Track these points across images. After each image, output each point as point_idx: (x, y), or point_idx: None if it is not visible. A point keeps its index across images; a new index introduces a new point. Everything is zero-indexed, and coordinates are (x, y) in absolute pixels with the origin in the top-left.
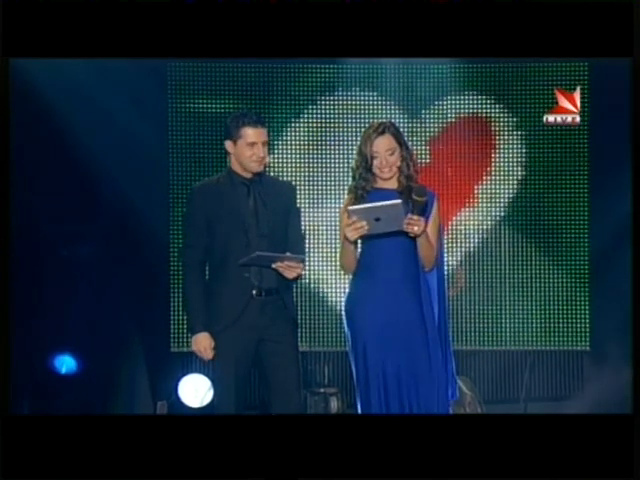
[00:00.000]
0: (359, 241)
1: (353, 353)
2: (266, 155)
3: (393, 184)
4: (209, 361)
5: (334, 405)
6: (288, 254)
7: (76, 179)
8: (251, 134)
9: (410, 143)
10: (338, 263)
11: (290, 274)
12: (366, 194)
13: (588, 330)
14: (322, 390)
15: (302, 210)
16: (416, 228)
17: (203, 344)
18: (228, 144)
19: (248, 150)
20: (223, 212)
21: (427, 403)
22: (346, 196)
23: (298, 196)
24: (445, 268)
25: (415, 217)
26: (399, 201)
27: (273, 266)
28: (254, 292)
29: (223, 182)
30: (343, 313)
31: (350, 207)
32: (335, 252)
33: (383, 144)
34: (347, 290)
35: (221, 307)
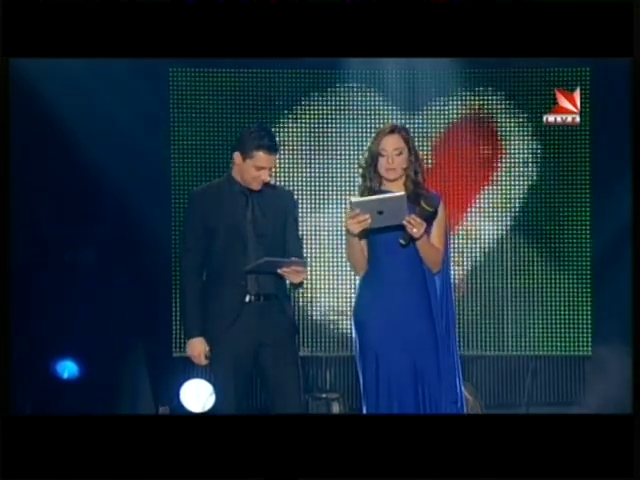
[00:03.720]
0: (365, 240)
1: (361, 358)
2: (269, 179)
3: (399, 188)
4: (209, 365)
5: (336, 410)
6: (293, 259)
7: (77, 181)
8: (263, 159)
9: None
10: (347, 262)
11: (297, 278)
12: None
13: (590, 336)
14: (324, 395)
15: (304, 214)
16: (415, 230)
17: (198, 349)
18: (237, 155)
19: (254, 172)
20: (221, 218)
21: (436, 407)
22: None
23: (299, 200)
24: (451, 272)
25: (417, 219)
26: (402, 193)
27: (279, 271)
28: (252, 297)
29: (223, 188)
30: (352, 319)
31: (353, 199)
32: (337, 256)
33: (391, 143)
34: (355, 296)
35: (217, 312)
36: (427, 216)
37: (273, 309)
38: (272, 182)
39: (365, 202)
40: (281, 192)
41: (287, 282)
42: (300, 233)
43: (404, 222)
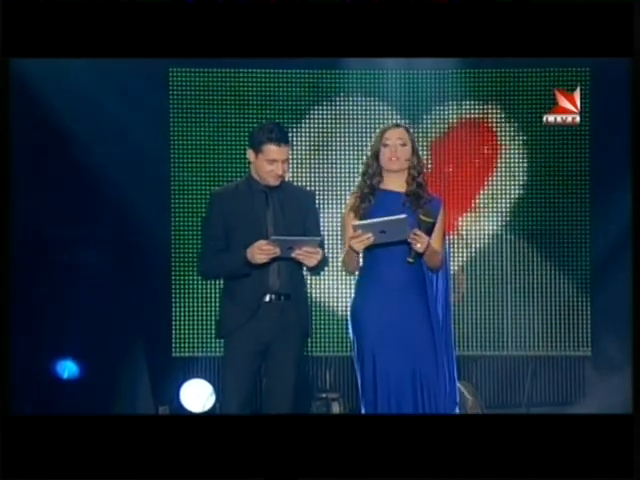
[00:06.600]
0: None
1: (359, 358)
2: (285, 171)
3: (401, 185)
4: (220, 359)
5: (336, 410)
6: (303, 237)
7: (77, 181)
8: (273, 152)
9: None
10: (340, 265)
11: (310, 261)
12: (372, 196)
13: (589, 336)
14: (324, 395)
15: None
16: (419, 245)
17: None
18: (250, 153)
19: (268, 166)
20: (241, 219)
21: (435, 407)
22: (349, 196)
23: None
24: (450, 273)
25: (420, 233)
26: (404, 216)
27: (292, 255)
28: (272, 296)
29: (242, 188)
30: (348, 318)
31: (355, 223)
32: (336, 257)
33: (395, 134)
34: (352, 295)
35: (233, 309)
36: (428, 228)
37: (291, 309)
38: (289, 178)
39: (368, 225)
40: (301, 192)
41: (306, 280)
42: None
43: (409, 240)
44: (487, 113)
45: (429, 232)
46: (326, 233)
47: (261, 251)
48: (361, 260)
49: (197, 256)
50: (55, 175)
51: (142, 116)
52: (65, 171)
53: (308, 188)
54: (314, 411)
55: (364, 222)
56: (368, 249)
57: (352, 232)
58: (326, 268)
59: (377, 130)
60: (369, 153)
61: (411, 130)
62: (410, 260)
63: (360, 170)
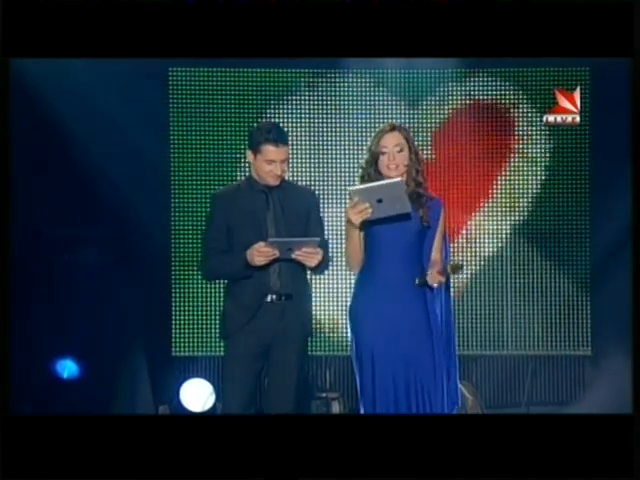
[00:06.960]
0: (364, 237)
1: (358, 357)
2: (284, 171)
3: None
4: (220, 358)
5: (336, 409)
6: (303, 239)
7: (77, 181)
8: (271, 152)
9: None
10: (344, 258)
11: (311, 261)
12: None
13: (590, 335)
14: (324, 395)
15: None
16: (436, 285)
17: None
18: (249, 154)
19: (266, 166)
20: (242, 219)
21: (433, 408)
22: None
23: None
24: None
25: (438, 276)
26: (399, 179)
27: (292, 256)
28: (273, 297)
29: (243, 189)
30: (347, 317)
31: (351, 187)
32: (335, 256)
33: (392, 140)
34: (351, 294)
35: (234, 310)
36: (446, 276)
37: (293, 310)
38: (289, 177)
39: (363, 189)
40: (301, 190)
41: (308, 280)
42: (325, 232)
43: (428, 279)
44: (486, 112)
45: (447, 277)
46: (326, 232)
47: (260, 253)
48: (363, 247)
49: (198, 256)
50: (55, 175)
51: (142, 116)
52: (65, 171)
53: (308, 187)
54: (314, 410)
55: (360, 187)
56: (368, 246)
57: (349, 202)
58: (330, 265)
59: (375, 129)
60: (366, 156)
61: (409, 128)
62: (417, 283)
63: (359, 173)
